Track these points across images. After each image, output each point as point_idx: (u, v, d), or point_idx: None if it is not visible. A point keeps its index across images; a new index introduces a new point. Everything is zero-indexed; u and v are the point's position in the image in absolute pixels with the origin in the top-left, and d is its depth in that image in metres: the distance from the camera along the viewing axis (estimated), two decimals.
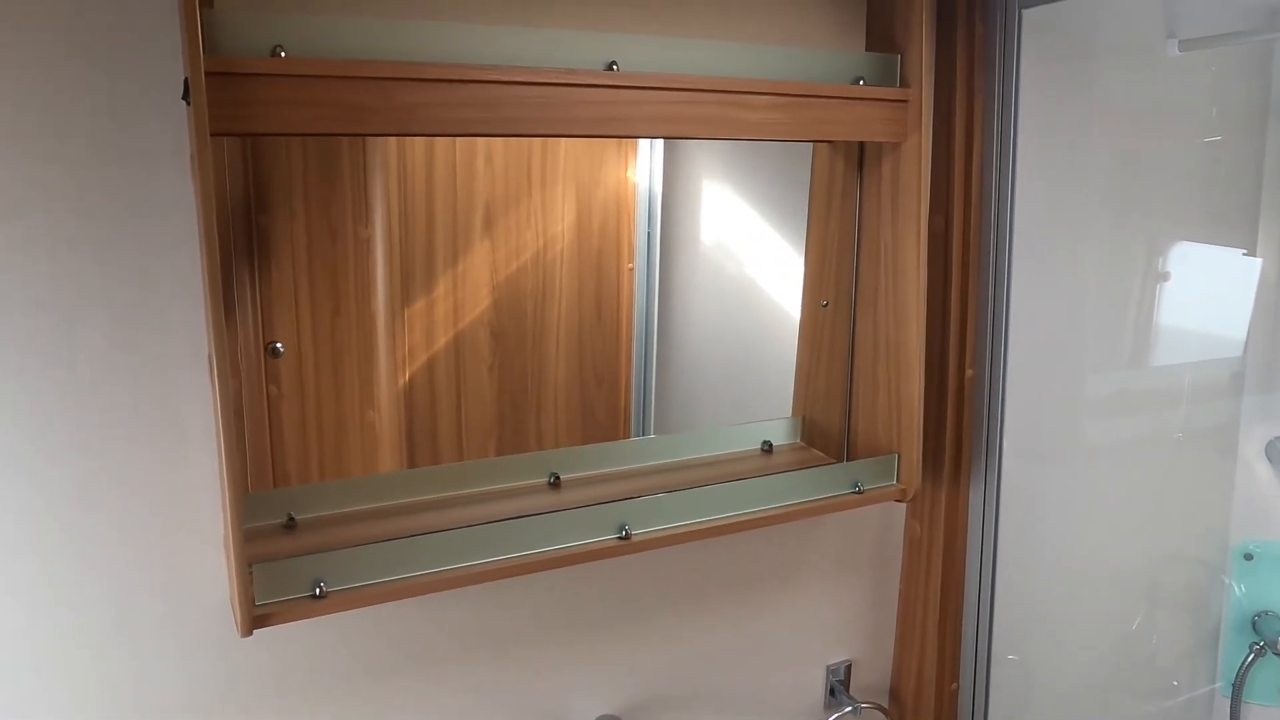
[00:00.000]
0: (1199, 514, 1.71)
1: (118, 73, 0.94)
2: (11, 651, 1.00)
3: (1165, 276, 1.65)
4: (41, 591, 1.00)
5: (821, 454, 1.41)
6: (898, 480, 1.32)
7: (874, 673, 1.59)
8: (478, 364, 1.20)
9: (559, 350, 1.25)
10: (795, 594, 1.48)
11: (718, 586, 1.41)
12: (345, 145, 1.09)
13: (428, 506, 1.17)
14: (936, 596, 1.48)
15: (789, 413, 1.43)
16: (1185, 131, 1.57)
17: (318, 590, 0.98)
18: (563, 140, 1.20)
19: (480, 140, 1.15)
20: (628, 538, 1.13)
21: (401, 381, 1.17)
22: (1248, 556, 1.69)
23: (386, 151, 1.11)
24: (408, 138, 1.11)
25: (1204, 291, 1.68)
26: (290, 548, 1.05)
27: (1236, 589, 1.70)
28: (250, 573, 0.94)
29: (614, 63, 1.06)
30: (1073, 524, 1.62)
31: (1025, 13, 1.32)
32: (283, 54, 0.91)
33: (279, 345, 1.08)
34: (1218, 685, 1.74)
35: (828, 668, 1.54)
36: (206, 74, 0.84)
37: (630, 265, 1.28)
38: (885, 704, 1.59)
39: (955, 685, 1.53)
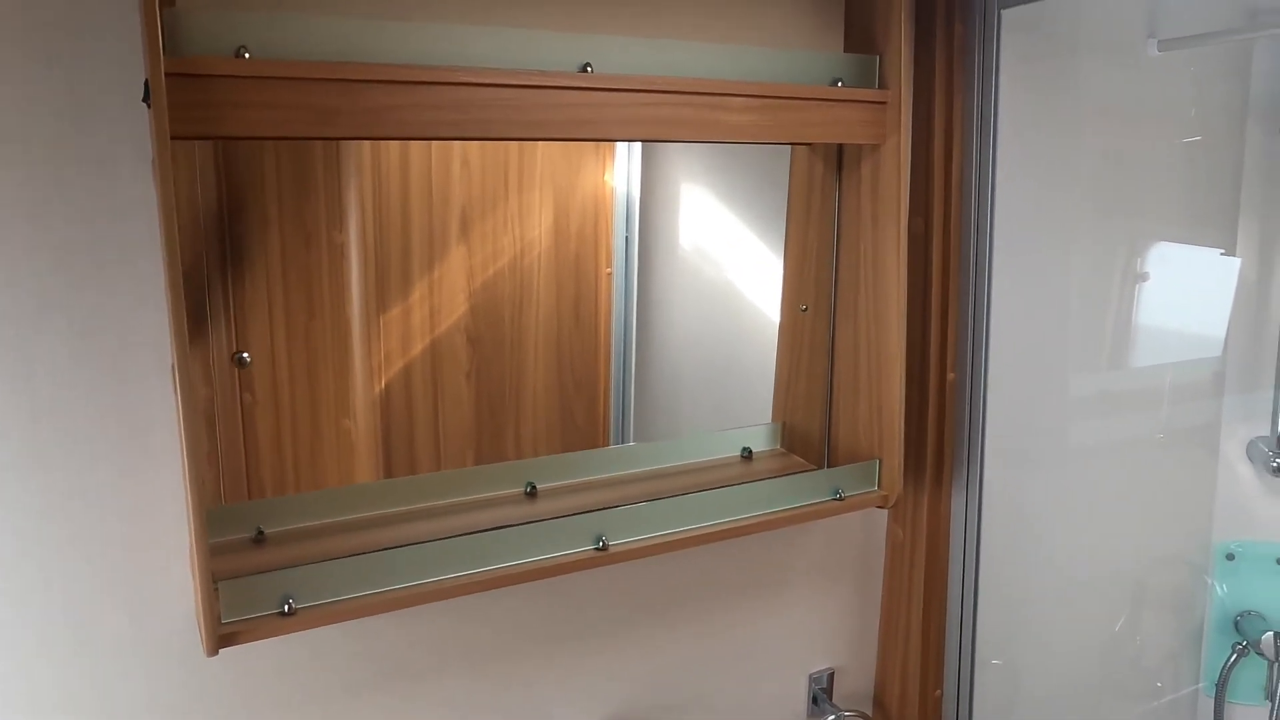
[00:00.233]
0: (1181, 515, 1.72)
1: (77, 74, 0.92)
2: None
3: (1145, 276, 1.65)
4: (1, 609, 0.97)
5: (802, 460, 1.40)
6: (879, 486, 1.31)
7: (857, 680, 1.58)
8: (455, 371, 1.19)
9: (537, 356, 1.24)
10: (777, 602, 1.46)
11: (698, 595, 1.39)
12: (319, 148, 1.07)
13: (401, 518, 1.15)
14: (919, 602, 1.47)
15: (769, 418, 1.42)
16: (1165, 132, 1.58)
17: (286, 607, 0.95)
18: (540, 144, 1.18)
19: (456, 143, 1.14)
20: (605, 549, 1.11)
21: (377, 389, 1.15)
22: (1230, 557, 1.69)
23: (361, 155, 1.10)
24: (382, 141, 1.09)
25: (1184, 291, 1.69)
26: (259, 563, 1.02)
27: (1219, 589, 1.71)
28: (216, 589, 0.91)
29: (588, 64, 1.05)
30: (1056, 526, 1.62)
31: (1005, 12, 1.32)
32: (247, 55, 0.89)
33: (246, 355, 1.06)
34: (1201, 685, 1.74)
35: (810, 676, 1.53)
36: (167, 75, 0.82)
37: (609, 270, 1.27)
38: (869, 711, 1.58)
39: (939, 691, 1.52)
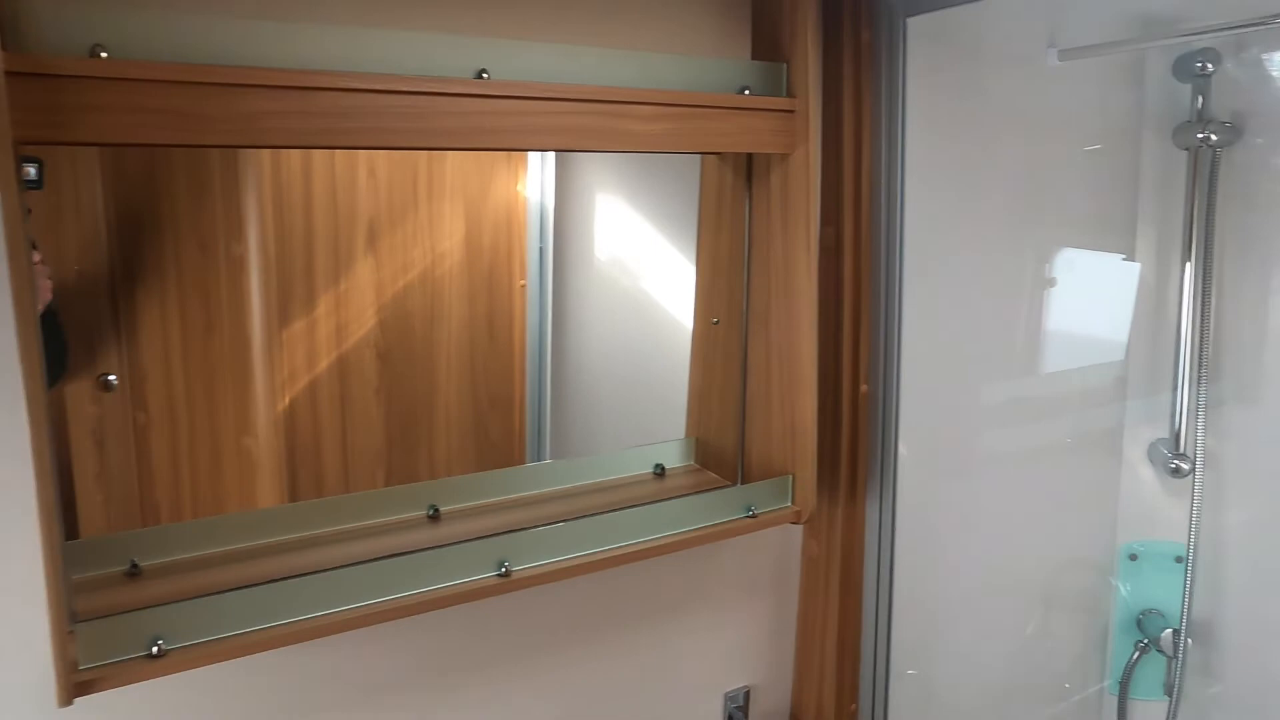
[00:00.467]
0: (1088, 517, 1.75)
1: None
2: None
3: (1052, 283, 1.67)
4: None
5: (716, 476, 1.37)
6: (793, 502, 1.29)
7: (774, 698, 1.56)
8: (364, 387, 1.16)
9: (450, 371, 1.21)
10: (691, 621, 1.44)
11: (609, 617, 1.36)
12: (215, 156, 1.03)
13: (295, 546, 1.09)
14: (835, 616, 1.46)
15: (684, 433, 1.39)
16: (1068, 140, 1.60)
17: (156, 648, 0.88)
18: (450, 153, 1.16)
19: (362, 152, 1.10)
20: (507, 575, 1.07)
21: (281, 406, 1.11)
22: (1133, 557, 1.73)
23: (260, 162, 1.06)
24: (274, 149, 1.04)
25: (1089, 297, 1.72)
26: (128, 600, 0.95)
27: (1122, 589, 1.74)
28: (71, 632, 0.84)
29: (484, 70, 1.01)
30: (969, 534, 1.63)
31: (910, 21, 1.32)
32: (104, 54, 0.83)
33: (111, 377, 0.98)
34: (1106, 684, 1.77)
35: (725, 695, 1.51)
36: (7, 74, 0.75)
37: (522, 282, 1.25)
38: None
39: (854, 705, 1.51)
